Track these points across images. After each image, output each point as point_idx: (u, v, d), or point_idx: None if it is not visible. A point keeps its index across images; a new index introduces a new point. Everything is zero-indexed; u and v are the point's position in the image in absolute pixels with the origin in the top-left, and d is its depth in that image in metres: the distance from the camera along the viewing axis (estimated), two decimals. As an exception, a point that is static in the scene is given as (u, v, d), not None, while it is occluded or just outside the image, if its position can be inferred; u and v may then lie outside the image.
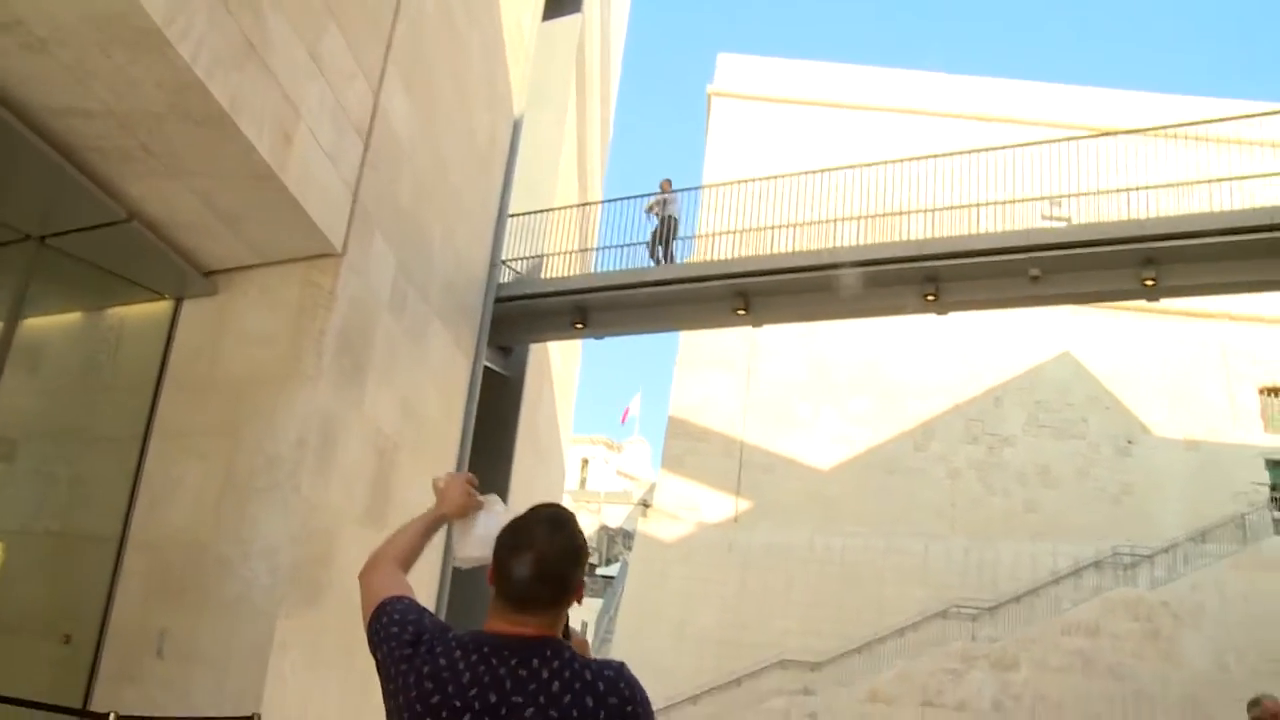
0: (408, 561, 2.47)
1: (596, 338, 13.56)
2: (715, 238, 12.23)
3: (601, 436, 77.02)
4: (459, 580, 11.40)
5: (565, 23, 16.64)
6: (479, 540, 2.45)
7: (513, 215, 13.62)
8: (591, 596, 57.49)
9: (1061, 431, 28.84)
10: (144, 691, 7.36)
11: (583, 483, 75.60)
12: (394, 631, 2.11)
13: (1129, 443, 28.82)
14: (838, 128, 30.83)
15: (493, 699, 1.92)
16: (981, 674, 23.39)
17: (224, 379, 8.10)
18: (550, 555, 2.06)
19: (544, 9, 14.60)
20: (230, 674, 7.12)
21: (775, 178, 12.47)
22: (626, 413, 57.60)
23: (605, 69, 21.69)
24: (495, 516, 2.49)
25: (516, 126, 13.10)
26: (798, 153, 28.55)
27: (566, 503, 49.84)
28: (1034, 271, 10.19)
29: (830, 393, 29.24)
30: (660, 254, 13.46)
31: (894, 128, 30.41)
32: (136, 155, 6.40)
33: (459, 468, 11.72)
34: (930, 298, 10.69)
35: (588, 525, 69.16)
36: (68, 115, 5.97)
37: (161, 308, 8.70)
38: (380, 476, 9.02)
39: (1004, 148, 11.93)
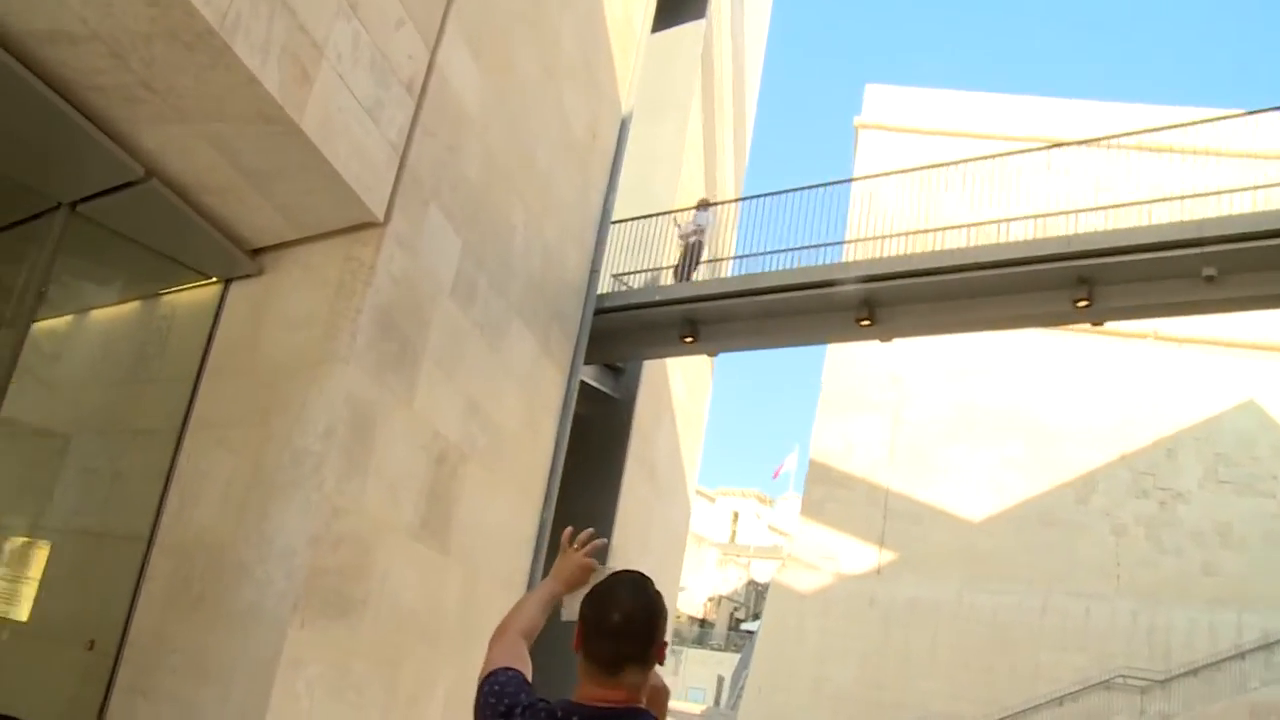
0: (530, 633, 2.53)
1: (709, 353, 12.49)
2: (850, 245, 11.05)
3: (754, 490, 75.70)
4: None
5: (688, 31, 15.78)
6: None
7: (619, 221, 12.72)
8: (732, 651, 55.92)
9: (1246, 488, 26.28)
10: (154, 707, 6.61)
11: (733, 536, 74.45)
12: (490, 702, 2.23)
13: (1327, 505, 26.05)
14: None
15: None
16: (1151, 754, 21.13)
17: (262, 365, 7.40)
18: (636, 613, 2.14)
19: (661, 11, 13.72)
20: (235, 689, 6.28)
21: (913, 170, 11.19)
22: (780, 469, 56.20)
23: (739, 87, 20.76)
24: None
25: (624, 125, 12.25)
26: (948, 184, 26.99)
27: (713, 556, 48.70)
28: (1208, 270, 8.67)
29: (982, 438, 27.41)
30: (684, 276, 12.48)
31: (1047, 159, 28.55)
32: (139, 95, 5.70)
33: (548, 492, 10.79)
34: (1082, 303, 9.26)
35: (736, 580, 67.69)
36: (53, 42, 5.31)
37: (210, 292, 8.21)
38: (439, 487, 8.12)
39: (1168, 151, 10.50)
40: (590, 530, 2.72)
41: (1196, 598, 24.79)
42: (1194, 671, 23.03)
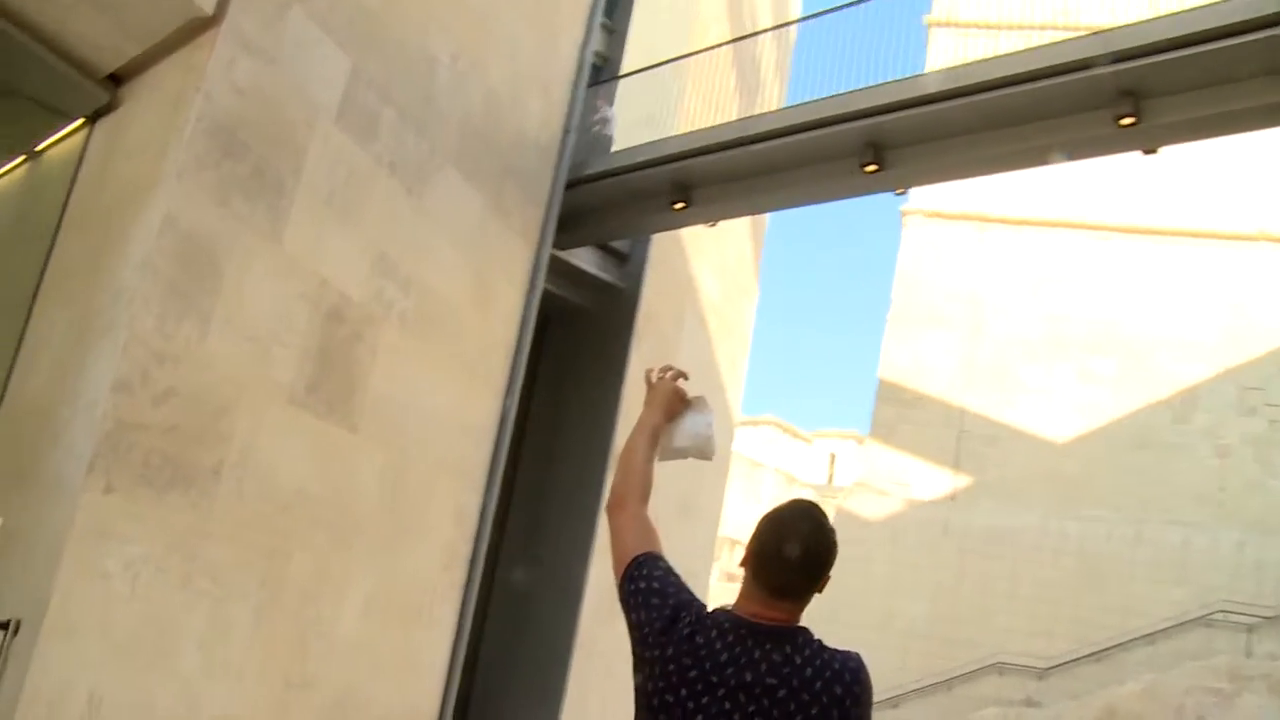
0: (648, 490, 2.52)
1: (707, 221, 11.22)
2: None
3: (853, 431, 74.10)
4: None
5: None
6: (686, 434, 2.57)
7: (617, 78, 11.53)
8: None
9: (1371, 404, 24.13)
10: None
11: (830, 479, 73.07)
12: (654, 603, 2.27)
13: None
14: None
15: (749, 678, 2.11)
16: (1258, 699, 19.40)
17: (105, 204, 6.48)
18: (814, 548, 2.21)
19: None
20: (33, 568, 5.34)
21: None
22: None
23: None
24: (703, 415, 2.60)
25: (605, -34, 10.99)
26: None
27: (806, 496, 48.06)
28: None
29: (1068, 353, 25.66)
30: None
31: None
32: None
33: (511, 378, 9.74)
34: (1128, 121, 7.76)
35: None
36: None
37: (78, 139, 7.40)
38: (335, 349, 7.13)
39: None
40: (666, 364, 2.76)
41: (1312, 527, 22.89)
42: (1309, 608, 21.27)
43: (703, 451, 2.64)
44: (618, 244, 12.95)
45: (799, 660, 2.12)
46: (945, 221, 27.97)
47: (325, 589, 7.25)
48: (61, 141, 7.66)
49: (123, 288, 5.68)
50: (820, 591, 2.28)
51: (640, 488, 2.50)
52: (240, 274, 6.21)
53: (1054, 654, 21.63)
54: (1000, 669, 21.73)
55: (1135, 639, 21.36)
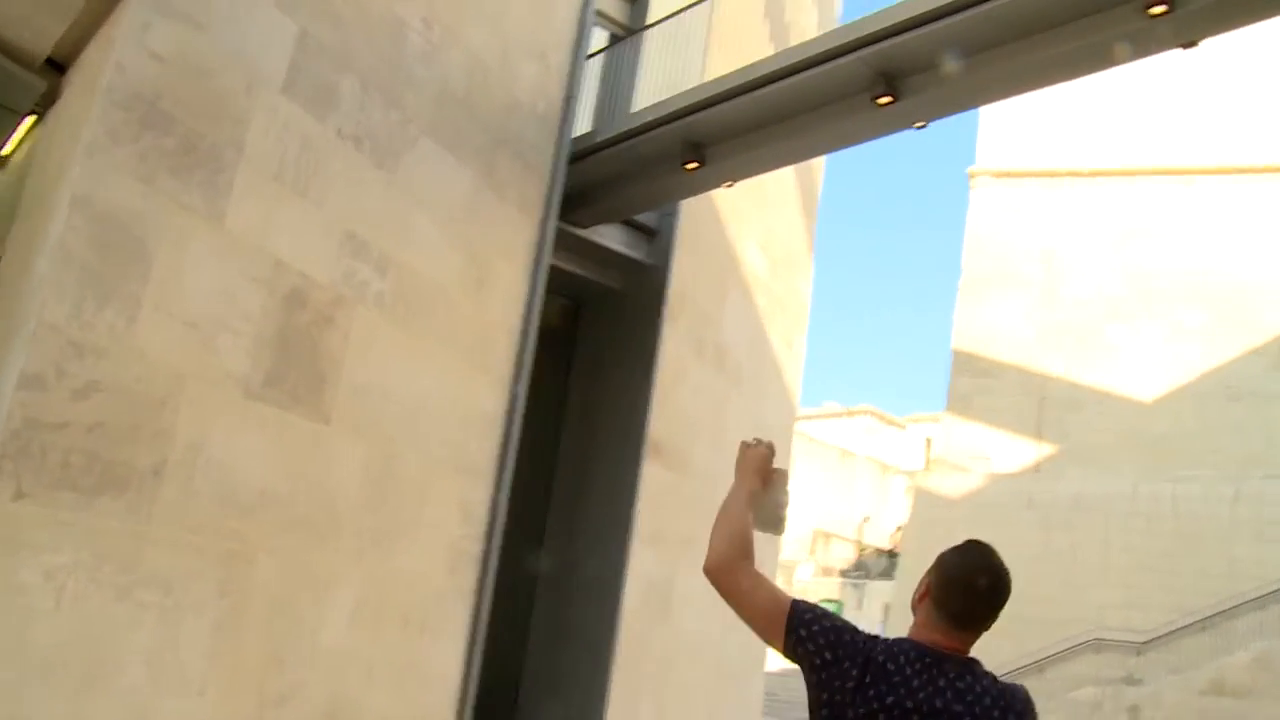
0: (751, 548, 2.58)
1: (725, 183, 10.57)
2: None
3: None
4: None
5: None
6: (776, 507, 2.67)
7: (628, 33, 10.99)
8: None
9: None
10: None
11: (927, 464, 71.85)
12: (845, 639, 2.36)
13: None
14: None
15: (938, 704, 2.25)
16: (1382, 659, 18.26)
17: (36, 199, 6.11)
18: (1001, 581, 2.39)
19: None
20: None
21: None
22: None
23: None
24: (781, 495, 2.67)
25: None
26: None
27: (901, 484, 46.15)
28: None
29: (1152, 307, 24.51)
30: None
31: None
32: None
33: (519, 362, 9.23)
34: (1159, 9, 6.96)
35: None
36: None
37: (32, 136, 7.14)
38: (298, 335, 6.67)
39: None
40: (756, 437, 2.80)
41: None
42: None
43: (775, 528, 2.72)
44: (646, 219, 12.43)
45: (979, 689, 2.28)
46: (1013, 180, 26.97)
47: (301, 594, 6.80)
48: (22, 142, 7.39)
49: (35, 273, 5.28)
50: (988, 629, 2.41)
51: (744, 547, 2.55)
52: (173, 256, 5.77)
53: (1153, 626, 20.55)
54: (1097, 645, 20.75)
55: (1242, 604, 20.17)
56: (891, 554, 62.72)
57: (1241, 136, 25.20)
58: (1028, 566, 22.47)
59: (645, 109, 10.07)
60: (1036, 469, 24.01)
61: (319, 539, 6.93)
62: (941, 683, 2.28)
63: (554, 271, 10.83)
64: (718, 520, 2.61)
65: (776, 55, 8.91)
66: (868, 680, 2.28)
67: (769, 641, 2.44)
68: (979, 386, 25.09)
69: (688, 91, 9.66)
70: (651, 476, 11.82)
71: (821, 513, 51.87)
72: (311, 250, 6.82)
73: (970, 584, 2.38)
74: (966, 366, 25.42)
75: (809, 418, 59.88)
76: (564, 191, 10.04)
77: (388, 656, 7.76)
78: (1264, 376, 23.18)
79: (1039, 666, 20.71)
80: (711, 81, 9.50)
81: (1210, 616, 19.88)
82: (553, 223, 9.72)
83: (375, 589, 7.55)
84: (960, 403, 25.25)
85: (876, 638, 2.38)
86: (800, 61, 8.64)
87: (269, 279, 6.44)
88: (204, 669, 5.99)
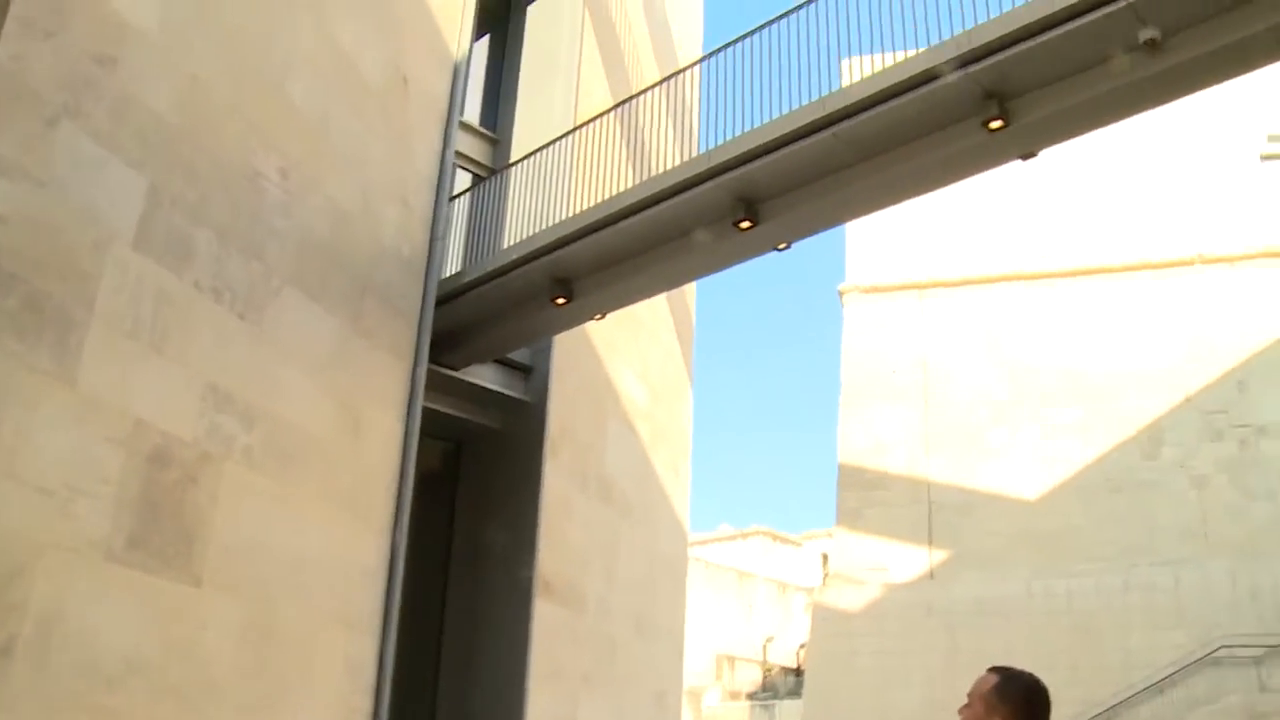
0: None
1: (592, 316, 10.69)
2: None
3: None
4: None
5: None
6: None
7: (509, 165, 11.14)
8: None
9: (1335, 410, 23.72)
10: None
11: (824, 579, 71.89)
12: None
13: None
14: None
15: None
16: (1280, 734, 18.58)
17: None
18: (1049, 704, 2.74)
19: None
20: None
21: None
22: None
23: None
24: None
25: (457, 70, 10.66)
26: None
27: (801, 602, 45.86)
28: (1146, 34, 6.68)
29: (1028, 408, 25.25)
30: None
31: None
32: None
33: (398, 511, 9.09)
34: (996, 124, 7.36)
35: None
36: None
37: None
38: (162, 496, 6.48)
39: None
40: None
41: (1301, 544, 22.22)
42: (1316, 630, 20.44)
43: None
44: (519, 357, 12.46)
45: None
46: (883, 294, 27.77)
47: (181, 769, 6.46)
48: None
49: None
50: None
51: None
52: (21, 420, 5.59)
53: (1062, 721, 20.64)
54: (1010, 747, 20.65)
55: (1141, 691, 20.42)
56: (798, 672, 62.07)
57: (1093, 239, 26.49)
58: (936, 674, 22.55)
59: (510, 248, 10.19)
60: (931, 575, 24.22)
61: (195, 708, 6.63)
62: None
63: (430, 414, 10.75)
64: None
65: (637, 186, 9.13)
66: None
67: None
68: (868, 499, 25.37)
69: (552, 228, 9.81)
70: (544, 615, 11.62)
71: (724, 636, 51.31)
72: (173, 407, 6.67)
73: (1042, 699, 2.73)
74: (854, 480, 25.73)
75: (703, 542, 59.66)
76: (435, 333, 10.04)
77: (278, 828, 7.39)
78: (1140, 467, 23.92)
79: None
80: (574, 217, 9.67)
81: (1113, 706, 20.07)
82: (424, 366, 9.69)
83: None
84: (850, 516, 25.48)
85: None
86: (661, 191, 8.87)
87: (128, 439, 6.26)
88: None
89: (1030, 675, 2.74)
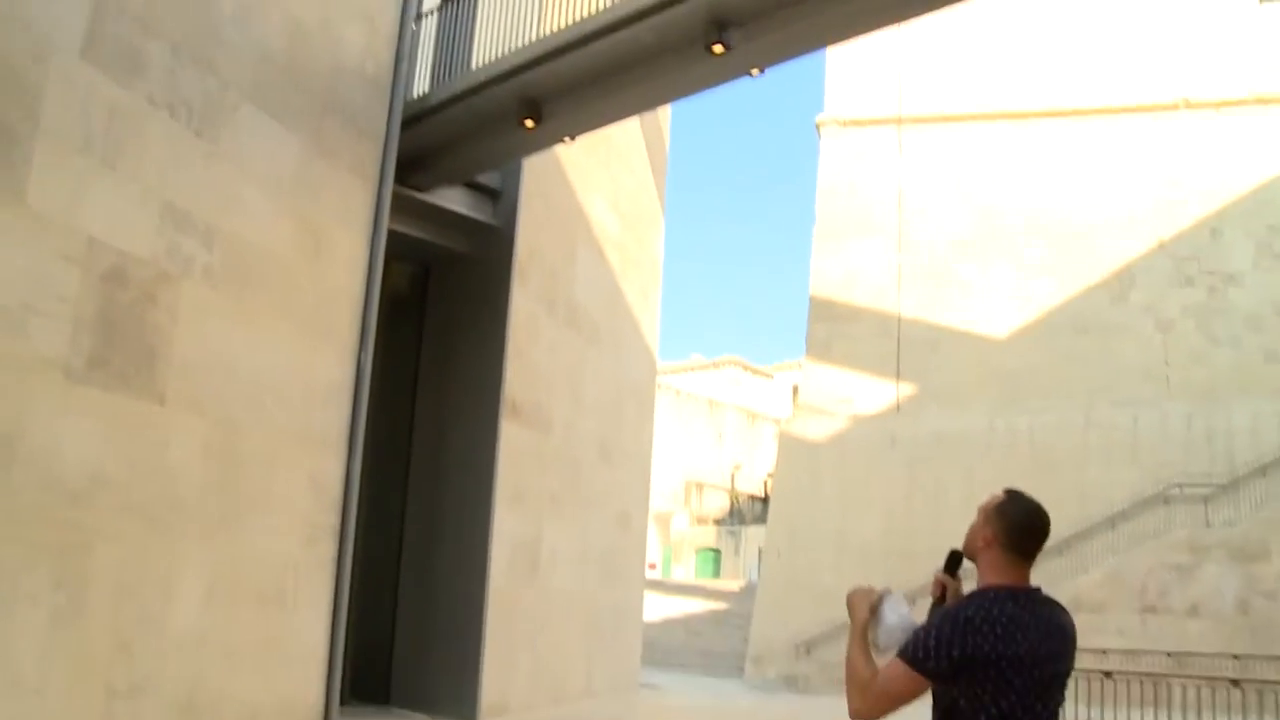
0: (874, 680, 2.70)
1: (563, 138, 10.54)
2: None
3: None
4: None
5: None
6: (892, 629, 2.79)
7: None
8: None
9: (1306, 259, 23.89)
10: None
11: (794, 409, 73.03)
12: (983, 630, 2.53)
13: (1402, 262, 23.67)
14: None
15: (1057, 635, 2.63)
16: (1218, 567, 19.36)
17: None
18: (1049, 526, 2.78)
19: None
20: None
21: None
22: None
23: None
24: (896, 603, 2.84)
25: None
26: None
27: (770, 431, 46.73)
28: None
29: (1000, 246, 25.33)
30: None
31: None
32: None
33: (363, 330, 9.08)
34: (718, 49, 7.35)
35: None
36: None
37: None
38: (121, 315, 6.46)
39: None
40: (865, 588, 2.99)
41: (1258, 389, 22.66)
42: (1261, 470, 21.00)
43: (893, 647, 2.80)
44: (488, 180, 12.34)
45: (1053, 612, 2.67)
46: (861, 128, 27.46)
47: (147, 581, 6.62)
48: None
49: None
50: None
51: (864, 683, 2.68)
52: (-24, 242, 5.51)
53: (1014, 553, 21.33)
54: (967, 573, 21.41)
55: (1094, 526, 21.11)
56: (764, 500, 63.73)
57: (1075, 80, 26.11)
58: (896, 504, 23.20)
59: (479, 69, 9.94)
60: (898, 409, 24.64)
61: (162, 522, 6.75)
62: (1046, 613, 2.64)
63: (397, 237, 10.68)
64: (846, 674, 2.77)
65: (609, 8, 8.85)
66: (996, 635, 2.50)
67: (927, 689, 2.61)
68: (837, 332, 25.59)
69: (521, 49, 9.57)
70: (511, 436, 11.80)
71: (693, 463, 52.46)
72: (129, 225, 6.59)
73: (1034, 526, 2.74)
74: (824, 313, 25.89)
75: (675, 371, 60.41)
76: (401, 155, 9.89)
77: (246, 636, 7.63)
78: (1108, 309, 24.17)
79: (911, 597, 21.32)
80: (545, 38, 9.42)
81: (1067, 539, 20.73)
82: (389, 187, 9.57)
83: (227, 569, 7.40)
84: (820, 348, 25.73)
85: (990, 611, 2.55)
86: (632, 13, 8.62)
87: (83, 258, 6.20)
88: (42, 666, 5.79)
89: (1036, 504, 2.78)
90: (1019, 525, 2.74)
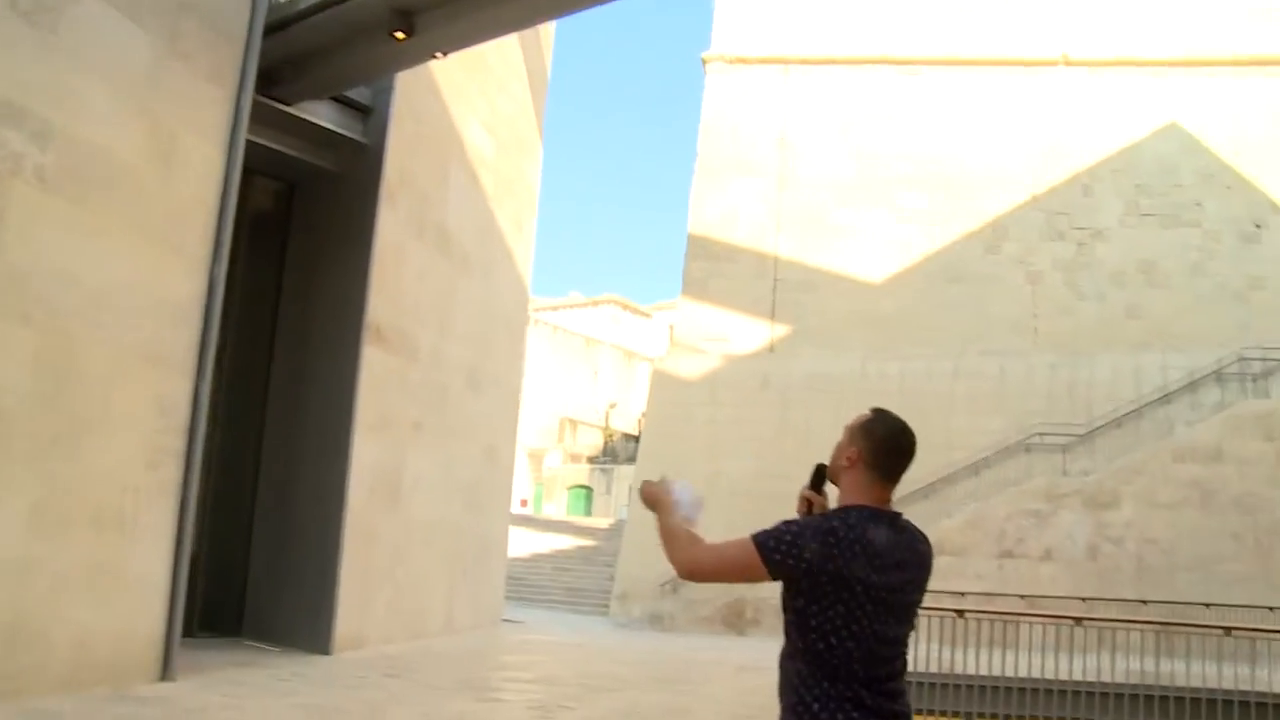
0: (697, 538, 2.77)
1: (436, 53, 10.18)
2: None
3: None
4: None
5: None
6: (694, 504, 2.85)
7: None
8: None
9: (1170, 219, 24.72)
10: None
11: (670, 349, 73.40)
12: (827, 540, 2.52)
13: (1257, 227, 24.64)
14: None
15: (909, 555, 2.63)
16: (1072, 515, 19.92)
17: None
18: (915, 446, 2.76)
19: None
20: None
21: None
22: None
23: None
24: (685, 487, 2.88)
25: None
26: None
27: (646, 371, 46.87)
28: None
29: (879, 192, 25.56)
30: None
31: None
32: None
33: (217, 243, 8.67)
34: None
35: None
36: None
37: None
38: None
39: None
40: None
41: (1120, 344, 23.38)
42: (1117, 422, 21.71)
43: (699, 507, 2.87)
44: (360, 96, 11.91)
45: (911, 533, 2.67)
46: (747, 66, 27.34)
47: (-35, 501, 6.24)
48: None
49: None
50: None
51: (689, 540, 2.71)
52: None
53: (880, 496, 21.79)
54: (828, 517, 21.81)
55: (958, 471, 21.63)
56: (638, 438, 64.18)
57: (961, 30, 26.38)
58: (767, 444, 23.40)
59: (351, -27, 9.52)
60: (771, 349, 24.80)
61: (-20, 441, 6.36)
62: (901, 534, 2.63)
63: (258, 150, 10.25)
64: (662, 542, 2.76)
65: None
66: (859, 563, 2.48)
67: (760, 580, 2.58)
68: (714, 270, 25.60)
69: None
70: (374, 362, 11.51)
71: (568, 400, 52.43)
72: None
73: (900, 445, 2.71)
74: (701, 250, 25.86)
75: (554, 308, 60.15)
76: (264, 63, 9.45)
77: (78, 562, 7.27)
78: (981, 259, 24.62)
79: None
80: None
81: (932, 484, 21.21)
82: (249, 95, 9.10)
83: (58, 491, 7.02)
84: (696, 286, 25.72)
85: (842, 523, 2.54)
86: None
87: (-104, 147, 5.74)
88: None
89: (903, 422, 2.76)
90: (885, 443, 2.71)
